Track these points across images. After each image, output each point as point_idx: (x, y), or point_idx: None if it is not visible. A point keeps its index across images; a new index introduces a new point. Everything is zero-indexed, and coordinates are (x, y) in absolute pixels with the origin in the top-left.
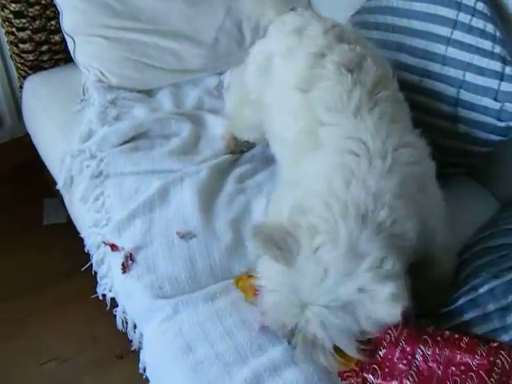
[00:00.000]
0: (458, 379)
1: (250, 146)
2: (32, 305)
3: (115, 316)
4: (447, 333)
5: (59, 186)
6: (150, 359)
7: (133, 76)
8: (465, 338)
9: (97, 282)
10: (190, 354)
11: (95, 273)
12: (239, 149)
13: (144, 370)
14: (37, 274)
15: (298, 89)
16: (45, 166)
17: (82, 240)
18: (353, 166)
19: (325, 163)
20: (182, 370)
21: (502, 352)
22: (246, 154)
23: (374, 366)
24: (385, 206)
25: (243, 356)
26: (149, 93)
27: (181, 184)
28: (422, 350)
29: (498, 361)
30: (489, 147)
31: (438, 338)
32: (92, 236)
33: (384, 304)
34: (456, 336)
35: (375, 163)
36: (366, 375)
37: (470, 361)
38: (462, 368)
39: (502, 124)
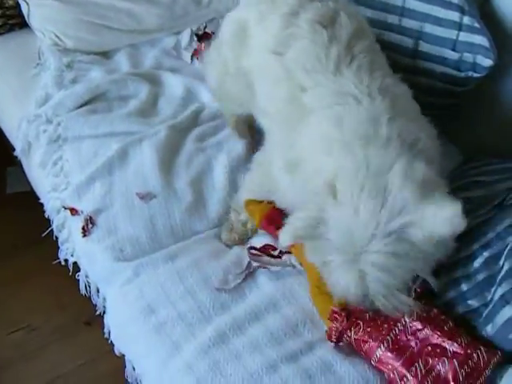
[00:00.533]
0: (429, 359)
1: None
2: None
3: None
4: (435, 311)
5: (17, 153)
6: (114, 323)
7: (89, 38)
8: (450, 322)
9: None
10: (153, 316)
11: (66, 261)
12: (249, 134)
13: (109, 333)
14: (1, 244)
15: (274, 52)
16: (4, 134)
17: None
18: (343, 111)
19: (315, 128)
20: (144, 332)
21: (481, 348)
22: (204, 112)
23: (359, 322)
24: (382, 124)
25: (206, 315)
26: (106, 55)
27: (140, 145)
28: (404, 321)
29: (474, 355)
30: (450, 98)
31: (424, 314)
32: (51, 201)
33: (445, 223)
34: (442, 317)
35: (362, 100)
36: (345, 328)
37: (447, 346)
38: (438, 350)
39: (462, 74)
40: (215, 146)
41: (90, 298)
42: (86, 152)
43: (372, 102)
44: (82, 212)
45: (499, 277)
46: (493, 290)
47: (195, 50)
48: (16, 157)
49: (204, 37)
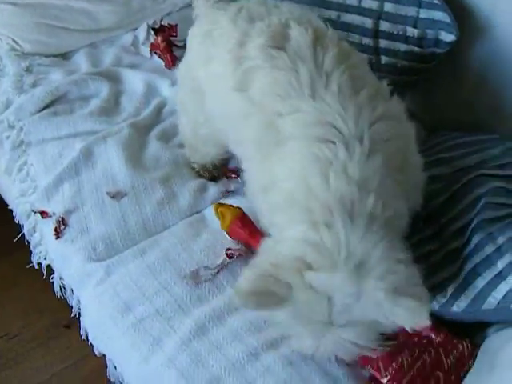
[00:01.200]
0: (416, 350)
1: (222, 164)
2: None
3: None
4: None
5: None
6: (91, 324)
7: (47, 41)
8: None
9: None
10: (130, 314)
11: (40, 265)
12: (211, 174)
13: (87, 336)
14: None
15: (236, 90)
16: None
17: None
18: (329, 155)
19: (295, 159)
20: (123, 330)
21: (466, 340)
22: (166, 107)
23: None
24: (371, 192)
25: (184, 308)
26: (64, 56)
27: (104, 144)
28: None
29: (459, 345)
30: (414, 75)
31: None
32: (20, 206)
33: (409, 315)
34: None
35: (353, 147)
36: None
37: (434, 336)
38: (424, 341)
39: (425, 51)
40: (180, 143)
41: (66, 300)
42: (51, 154)
43: (363, 156)
44: (53, 214)
45: (466, 251)
46: (458, 264)
47: (152, 44)
48: None
49: (161, 30)
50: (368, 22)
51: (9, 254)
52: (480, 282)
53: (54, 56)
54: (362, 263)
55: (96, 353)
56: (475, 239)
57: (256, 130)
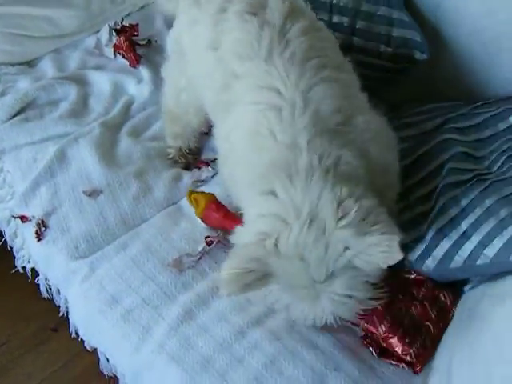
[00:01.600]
0: (402, 307)
1: (195, 153)
2: None
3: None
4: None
5: None
6: (80, 320)
7: (11, 50)
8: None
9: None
10: (118, 306)
11: (24, 268)
12: (186, 160)
13: (76, 333)
14: None
15: (209, 48)
16: None
17: None
18: (265, 124)
19: (241, 126)
20: (113, 322)
21: (446, 289)
22: (134, 104)
23: None
24: (302, 150)
25: (170, 296)
26: (30, 63)
27: (77, 145)
28: None
29: (441, 295)
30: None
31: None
32: (0, 213)
33: (383, 253)
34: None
35: (285, 112)
36: None
37: (415, 292)
38: (408, 297)
39: (397, 66)
40: (151, 137)
41: (52, 304)
42: (26, 160)
43: (293, 115)
44: (32, 217)
45: (432, 214)
46: (425, 226)
47: (115, 45)
48: None
49: (122, 31)
50: (340, 37)
51: None
52: (446, 243)
53: (20, 64)
54: (313, 214)
55: (88, 348)
56: (440, 202)
57: (218, 92)
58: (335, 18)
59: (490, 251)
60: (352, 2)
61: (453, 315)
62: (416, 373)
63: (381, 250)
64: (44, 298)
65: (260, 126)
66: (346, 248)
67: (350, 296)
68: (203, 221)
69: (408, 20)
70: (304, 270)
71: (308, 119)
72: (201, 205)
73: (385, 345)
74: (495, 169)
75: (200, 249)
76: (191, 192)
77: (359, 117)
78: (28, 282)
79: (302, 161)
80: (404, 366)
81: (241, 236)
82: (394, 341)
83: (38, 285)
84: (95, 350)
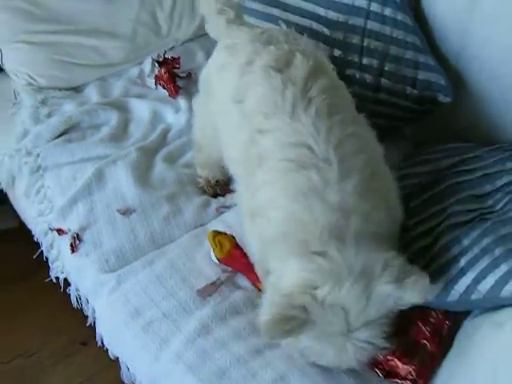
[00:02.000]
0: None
1: (222, 184)
2: None
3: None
4: None
5: (2, 186)
6: (105, 330)
7: (60, 75)
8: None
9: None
10: (140, 318)
11: (57, 279)
12: (214, 191)
13: (103, 344)
14: None
15: (233, 101)
16: None
17: (34, 242)
18: (307, 183)
19: (275, 188)
20: (134, 333)
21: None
22: (171, 132)
23: None
24: (351, 212)
25: (188, 311)
26: (76, 89)
27: (114, 166)
28: None
29: (433, 312)
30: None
31: None
32: (39, 225)
33: (417, 291)
34: None
35: (325, 171)
36: None
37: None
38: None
39: (422, 108)
40: (185, 164)
41: (83, 319)
42: (66, 177)
43: (336, 179)
44: (68, 230)
45: (433, 251)
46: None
47: (156, 76)
48: (5, 195)
49: (164, 63)
50: (369, 78)
51: (25, 279)
52: (445, 278)
53: (67, 89)
54: (362, 270)
55: (111, 356)
56: (442, 241)
57: (244, 148)
58: (365, 60)
59: (483, 287)
60: (381, 46)
61: (448, 328)
62: None
63: (417, 290)
64: (75, 313)
65: (302, 185)
66: (388, 298)
67: (372, 343)
68: (223, 261)
69: (433, 64)
70: (343, 319)
71: (353, 181)
72: (225, 247)
73: (387, 367)
74: (498, 208)
75: (223, 278)
76: (214, 233)
77: (381, 167)
78: (61, 296)
79: (353, 224)
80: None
81: (274, 287)
82: (395, 361)
83: (70, 299)
84: (117, 360)
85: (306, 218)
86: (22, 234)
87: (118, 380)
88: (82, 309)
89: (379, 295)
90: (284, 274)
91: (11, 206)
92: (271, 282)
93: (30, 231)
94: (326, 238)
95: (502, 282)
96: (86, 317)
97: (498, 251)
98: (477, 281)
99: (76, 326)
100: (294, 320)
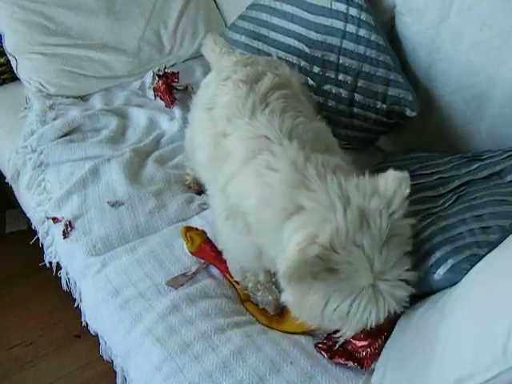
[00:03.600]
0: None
1: None
2: None
3: (71, 301)
4: None
5: (8, 180)
6: (88, 307)
7: (68, 85)
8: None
9: (55, 277)
10: (118, 297)
11: (50, 263)
12: (199, 188)
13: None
14: (1, 274)
15: (204, 108)
16: (3, 181)
17: (39, 244)
18: (262, 164)
19: (239, 175)
20: (112, 310)
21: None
22: (164, 137)
23: None
24: (306, 165)
25: (162, 292)
26: (83, 98)
27: (108, 164)
28: None
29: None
30: (381, 135)
31: None
32: (36, 214)
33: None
34: None
35: (278, 150)
36: None
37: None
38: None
39: (391, 121)
40: (174, 166)
41: (78, 313)
42: (64, 173)
43: (284, 149)
44: (62, 218)
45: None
46: None
47: (154, 88)
48: (15, 199)
49: (163, 76)
50: (344, 93)
51: (28, 276)
52: None
53: (74, 97)
54: (345, 202)
55: (91, 331)
56: None
57: (208, 148)
58: (340, 76)
59: (421, 271)
60: (355, 63)
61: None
62: (364, 367)
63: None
64: (71, 308)
65: (261, 167)
66: (383, 210)
67: (401, 279)
68: (194, 254)
69: (403, 81)
70: (362, 255)
71: (297, 145)
72: (196, 242)
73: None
74: (446, 206)
75: (194, 269)
76: (186, 228)
77: (330, 142)
78: (59, 293)
79: (310, 172)
80: (352, 363)
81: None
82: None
83: (68, 296)
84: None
85: (271, 192)
86: (29, 237)
87: (107, 373)
88: (77, 306)
89: (373, 214)
90: (287, 246)
91: (20, 210)
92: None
93: (35, 235)
94: (292, 197)
95: (435, 267)
96: (81, 311)
97: (435, 240)
98: (415, 266)
99: (71, 321)
100: (316, 266)
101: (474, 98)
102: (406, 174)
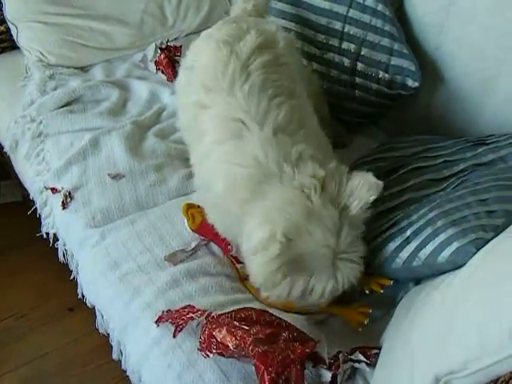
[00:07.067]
0: None
1: None
2: None
3: (66, 274)
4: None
5: (6, 149)
6: (85, 279)
7: (69, 55)
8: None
9: (50, 250)
10: (117, 270)
11: (48, 240)
12: None
13: (82, 294)
14: None
15: (183, 67)
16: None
17: (35, 214)
18: (235, 150)
19: (212, 157)
20: (110, 283)
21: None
22: (165, 111)
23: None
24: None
25: (162, 266)
26: (83, 69)
27: (109, 136)
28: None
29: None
30: (382, 109)
31: None
32: (35, 184)
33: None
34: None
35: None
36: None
37: None
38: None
39: (393, 92)
40: (175, 140)
41: (73, 287)
42: (64, 143)
43: (254, 137)
44: (61, 189)
45: (384, 227)
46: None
47: (156, 61)
48: (10, 170)
49: (166, 49)
50: (347, 61)
51: (27, 245)
52: (391, 246)
53: (75, 68)
54: (299, 186)
55: (88, 304)
56: (392, 216)
57: (187, 121)
58: (344, 45)
59: (423, 254)
60: (360, 32)
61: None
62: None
63: (367, 183)
64: (66, 281)
65: (228, 155)
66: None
67: (355, 254)
68: (196, 231)
69: (407, 52)
70: (320, 234)
71: (268, 132)
72: (197, 219)
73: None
74: (449, 189)
75: (193, 245)
76: (188, 206)
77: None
78: (54, 265)
79: (271, 166)
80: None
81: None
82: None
83: (64, 267)
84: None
85: (233, 184)
86: (24, 208)
87: (101, 346)
88: (72, 279)
89: (328, 208)
90: (248, 237)
91: (16, 181)
92: (244, 250)
93: (31, 206)
94: (256, 189)
95: (439, 250)
96: (76, 284)
97: (439, 223)
98: (419, 249)
99: (66, 294)
100: (282, 265)
101: (480, 83)
102: (379, 182)
